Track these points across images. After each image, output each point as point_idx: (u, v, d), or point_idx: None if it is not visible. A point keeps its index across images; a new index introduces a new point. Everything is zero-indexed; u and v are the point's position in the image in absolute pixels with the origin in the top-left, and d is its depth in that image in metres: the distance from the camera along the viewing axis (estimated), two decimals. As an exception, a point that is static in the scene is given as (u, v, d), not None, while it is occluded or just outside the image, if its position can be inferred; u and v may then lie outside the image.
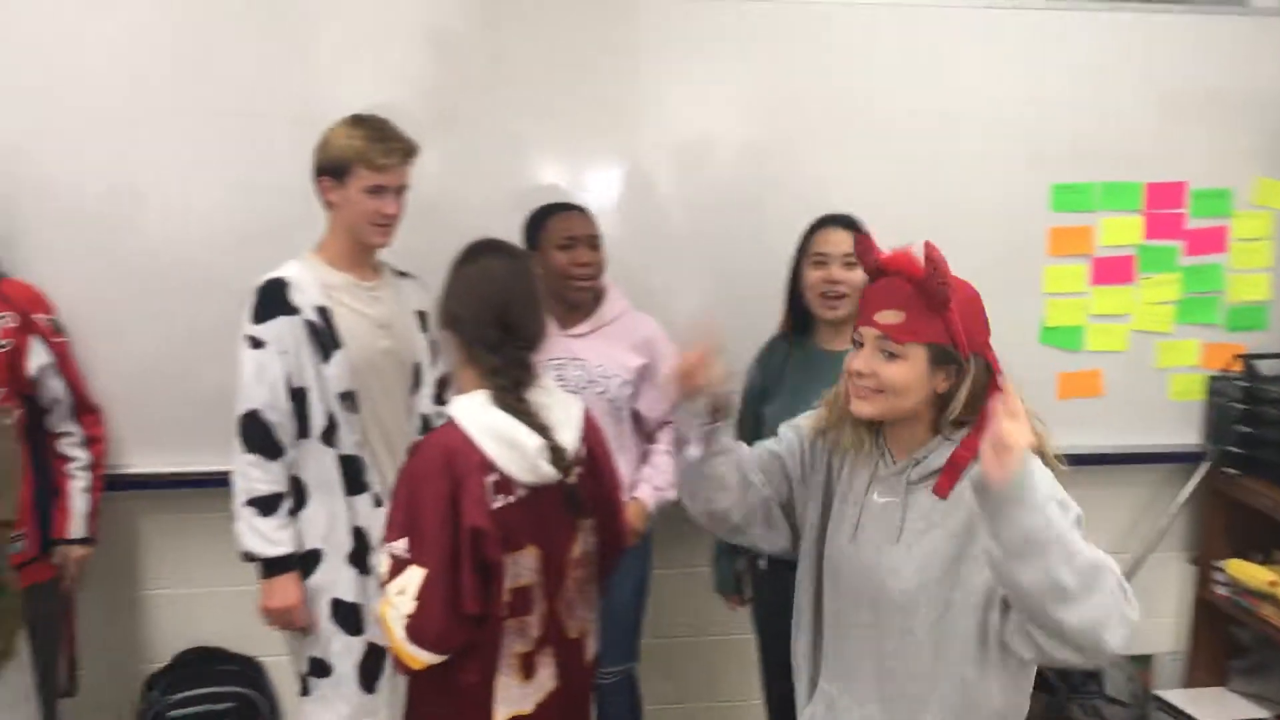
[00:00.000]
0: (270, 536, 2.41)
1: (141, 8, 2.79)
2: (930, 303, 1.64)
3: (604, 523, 2.14)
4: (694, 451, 1.81)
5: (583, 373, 2.68)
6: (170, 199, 2.84)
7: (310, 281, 2.45)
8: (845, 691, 1.79)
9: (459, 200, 2.89)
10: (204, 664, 3.04)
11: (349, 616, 2.47)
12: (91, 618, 2.92)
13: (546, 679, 2.03)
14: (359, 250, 2.51)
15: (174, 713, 2.91)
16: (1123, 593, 1.50)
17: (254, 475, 2.41)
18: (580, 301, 2.74)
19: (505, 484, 1.92)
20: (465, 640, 1.90)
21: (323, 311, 2.44)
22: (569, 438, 2.02)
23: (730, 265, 3.06)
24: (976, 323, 1.69)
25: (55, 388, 2.68)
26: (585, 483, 2.07)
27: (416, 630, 1.85)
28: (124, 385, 2.84)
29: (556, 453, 1.97)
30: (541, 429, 1.96)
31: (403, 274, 2.63)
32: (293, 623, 2.45)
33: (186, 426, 2.84)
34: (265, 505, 2.41)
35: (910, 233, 1.68)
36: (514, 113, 2.96)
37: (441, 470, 1.87)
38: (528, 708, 2.00)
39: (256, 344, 2.42)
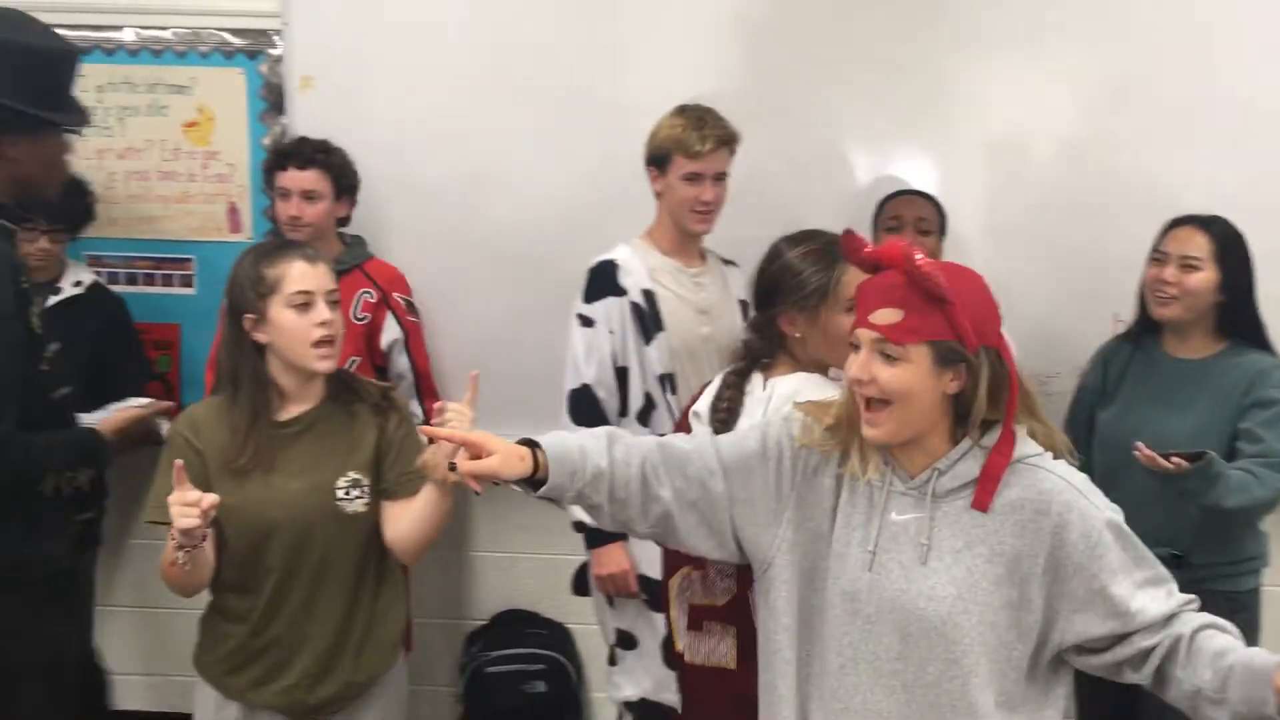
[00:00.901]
0: None
1: (483, 6, 2.97)
2: (929, 297, 1.48)
3: None
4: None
5: None
6: (513, 185, 3.00)
7: (638, 265, 2.55)
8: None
9: (781, 190, 2.89)
10: (518, 625, 3.21)
11: (656, 592, 2.55)
12: (426, 576, 3.11)
13: None
14: (683, 237, 2.58)
15: (491, 668, 3.11)
16: None
17: None
18: None
19: None
20: None
21: (648, 295, 2.53)
22: None
23: (1060, 263, 2.90)
24: (984, 313, 1.53)
25: (401, 364, 2.88)
26: None
27: None
28: (460, 362, 2.95)
29: None
30: None
31: (728, 262, 2.67)
32: (627, 587, 2.55)
33: (513, 401, 2.99)
34: None
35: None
36: (840, 103, 2.94)
37: None
38: None
39: (587, 322, 2.54)
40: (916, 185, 2.86)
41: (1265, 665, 1.41)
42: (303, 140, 2.85)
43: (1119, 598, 1.49)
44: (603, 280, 2.54)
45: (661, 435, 2.44)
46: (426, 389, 2.93)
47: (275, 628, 2.01)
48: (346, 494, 1.99)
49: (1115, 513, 1.54)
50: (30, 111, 2.17)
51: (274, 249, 2.05)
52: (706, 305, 2.58)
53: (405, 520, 2.00)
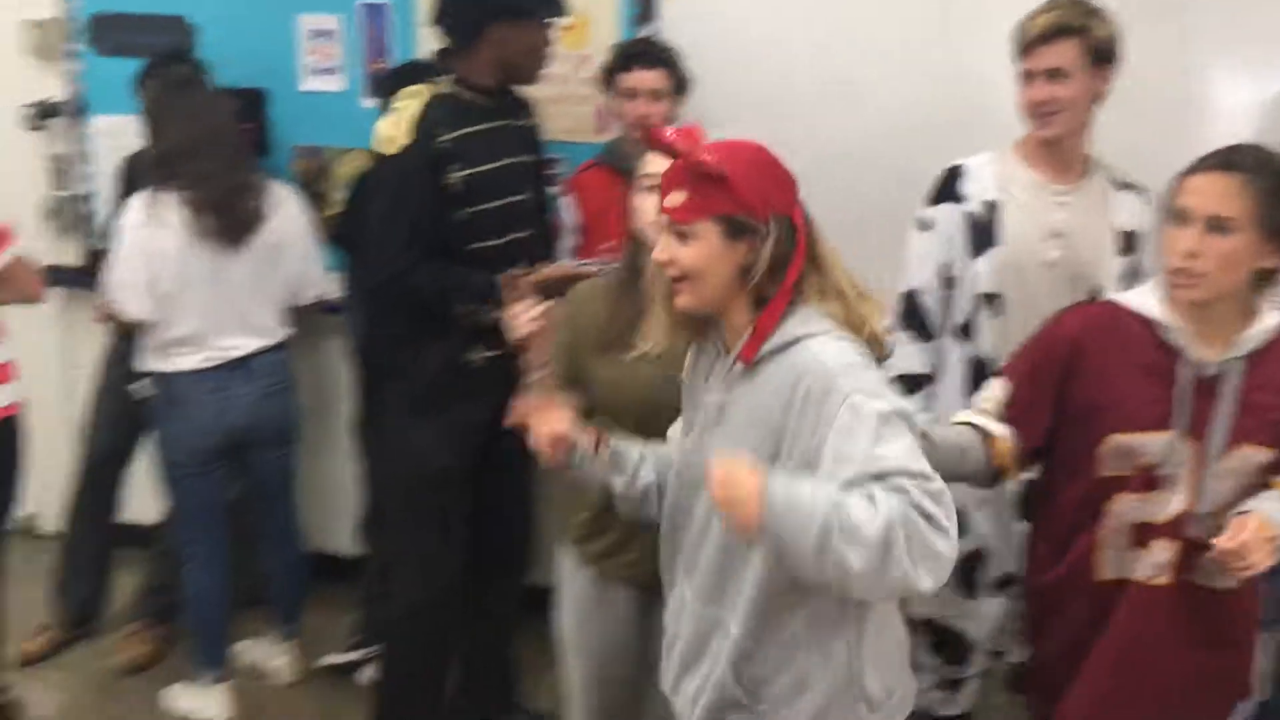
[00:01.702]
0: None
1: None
2: (707, 175, 1.55)
3: None
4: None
5: None
6: (864, 97, 2.95)
7: (989, 173, 2.41)
8: (688, 588, 1.78)
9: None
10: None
11: None
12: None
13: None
14: (1046, 146, 2.38)
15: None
16: (922, 533, 1.42)
17: (903, 353, 2.45)
18: None
19: None
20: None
21: (991, 206, 2.39)
22: None
23: None
24: (769, 182, 1.61)
25: None
26: None
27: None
28: None
29: None
30: None
31: (1126, 185, 2.43)
32: None
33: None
34: (910, 384, 2.46)
35: None
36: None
37: None
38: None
39: (924, 226, 2.47)
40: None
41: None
42: (647, 40, 2.93)
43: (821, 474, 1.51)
44: (945, 184, 2.47)
45: (976, 357, 2.40)
46: None
47: None
48: None
49: (870, 397, 1.52)
50: (516, 1, 2.47)
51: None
52: (1063, 228, 2.38)
53: None
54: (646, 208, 2.04)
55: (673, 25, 3.07)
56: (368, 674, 3.29)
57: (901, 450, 1.49)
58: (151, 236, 2.82)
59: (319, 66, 3.44)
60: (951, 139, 2.59)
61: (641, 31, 3.14)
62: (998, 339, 2.38)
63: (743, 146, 1.64)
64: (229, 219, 2.87)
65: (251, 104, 3.44)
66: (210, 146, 2.88)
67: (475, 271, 2.64)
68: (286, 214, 3.03)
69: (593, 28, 3.20)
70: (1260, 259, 1.84)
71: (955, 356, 2.45)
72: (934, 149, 2.59)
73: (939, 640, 2.57)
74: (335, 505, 3.75)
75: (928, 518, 1.45)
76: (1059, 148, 2.39)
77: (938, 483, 1.48)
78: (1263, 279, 1.87)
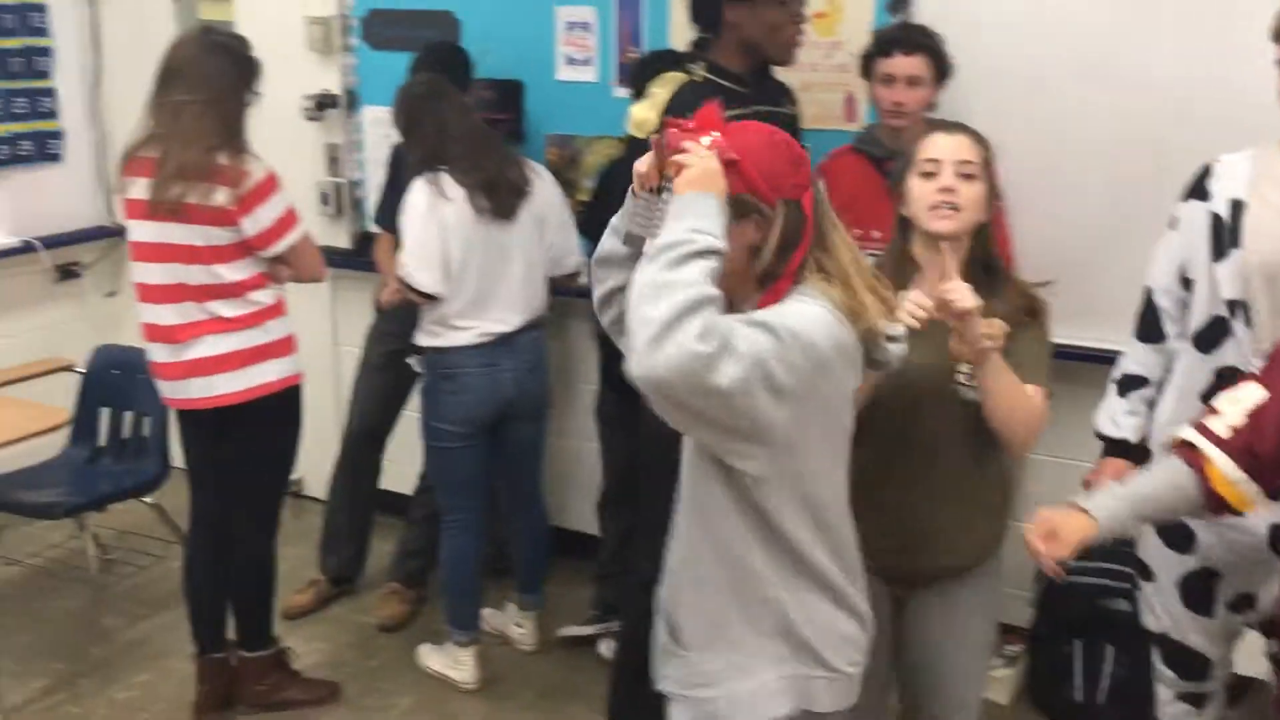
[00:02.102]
0: (1115, 418, 2.38)
1: None
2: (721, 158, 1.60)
3: None
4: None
5: None
6: (1125, 79, 2.84)
7: (1240, 171, 2.19)
8: None
9: None
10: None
11: (1175, 533, 2.30)
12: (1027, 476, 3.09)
13: None
14: None
15: (1071, 577, 2.99)
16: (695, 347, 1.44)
17: (1127, 353, 2.39)
18: None
19: None
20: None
21: (1236, 206, 2.16)
22: None
23: None
24: (779, 166, 1.65)
25: None
26: None
27: (1238, 445, 1.76)
28: (1048, 258, 2.78)
29: None
30: None
31: None
32: None
33: (1115, 303, 2.76)
34: (1124, 385, 2.38)
35: None
36: None
37: None
38: None
39: (1171, 224, 2.32)
40: None
41: None
42: (908, 25, 2.87)
43: None
44: (1196, 182, 2.27)
45: (1222, 368, 2.19)
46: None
47: (885, 492, 2.08)
48: (968, 379, 2.01)
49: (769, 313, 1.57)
50: None
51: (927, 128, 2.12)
52: None
53: (982, 401, 1.99)
54: (921, 192, 2.01)
55: (928, 10, 3.01)
56: (605, 647, 3.40)
57: (751, 331, 1.52)
58: (438, 213, 2.99)
59: (574, 57, 3.54)
60: (1217, 129, 2.45)
61: (896, 17, 3.09)
62: (1245, 352, 2.16)
63: (756, 130, 1.69)
64: (499, 195, 3.03)
65: (509, 94, 3.59)
66: (468, 138, 3.03)
67: None
68: (544, 188, 3.18)
69: (845, 14, 3.17)
70: None
71: (1194, 365, 2.26)
72: (1197, 137, 2.47)
73: (1175, 656, 2.44)
74: (576, 483, 3.87)
75: (709, 354, 1.46)
76: None
77: (741, 367, 1.49)
78: None
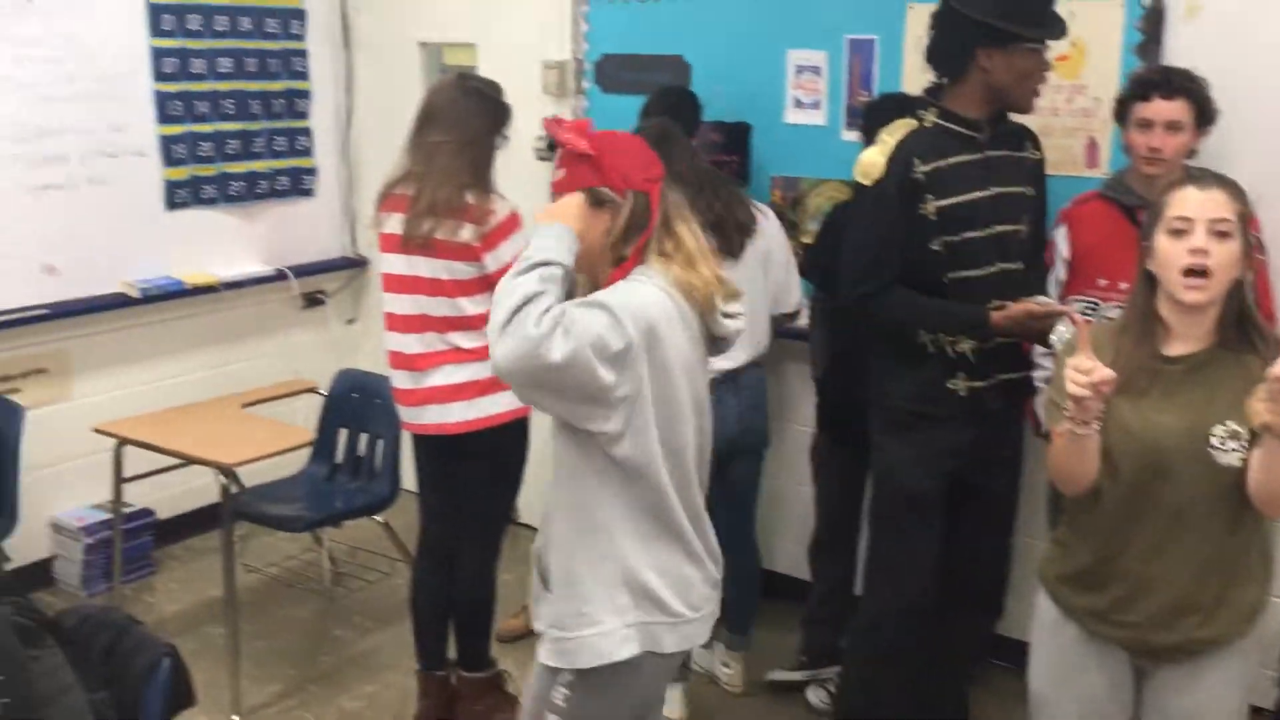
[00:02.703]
0: None
1: None
2: (577, 154, 1.94)
3: None
4: None
5: None
6: None
7: None
8: None
9: None
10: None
11: None
12: None
13: None
14: None
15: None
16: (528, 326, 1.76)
17: None
18: None
19: None
20: None
21: None
22: None
23: None
24: (632, 164, 1.97)
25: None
26: None
27: None
28: None
29: None
30: None
31: None
32: None
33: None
34: None
35: None
36: None
37: None
38: None
39: None
40: None
41: None
42: (1168, 69, 2.74)
43: None
44: None
45: None
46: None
47: (1126, 560, 2.00)
48: (1222, 443, 1.91)
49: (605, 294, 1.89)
50: (1000, 25, 2.48)
51: (1173, 180, 2.01)
52: None
53: (1255, 469, 1.88)
54: (1171, 253, 1.92)
55: (1180, 54, 2.88)
56: (812, 694, 3.35)
57: (584, 311, 1.83)
58: None
59: (803, 100, 3.56)
60: None
61: (1144, 61, 2.97)
62: None
63: (620, 136, 2.05)
64: (726, 233, 3.06)
65: (737, 136, 3.63)
66: (694, 181, 3.06)
67: (950, 302, 2.65)
68: (769, 226, 3.20)
69: (1089, 57, 3.07)
70: None
71: None
72: None
73: None
74: (786, 526, 3.85)
75: (540, 336, 1.76)
76: None
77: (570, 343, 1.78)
78: None
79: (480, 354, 2.94)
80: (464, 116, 2.88)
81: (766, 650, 3.57)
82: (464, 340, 2.94)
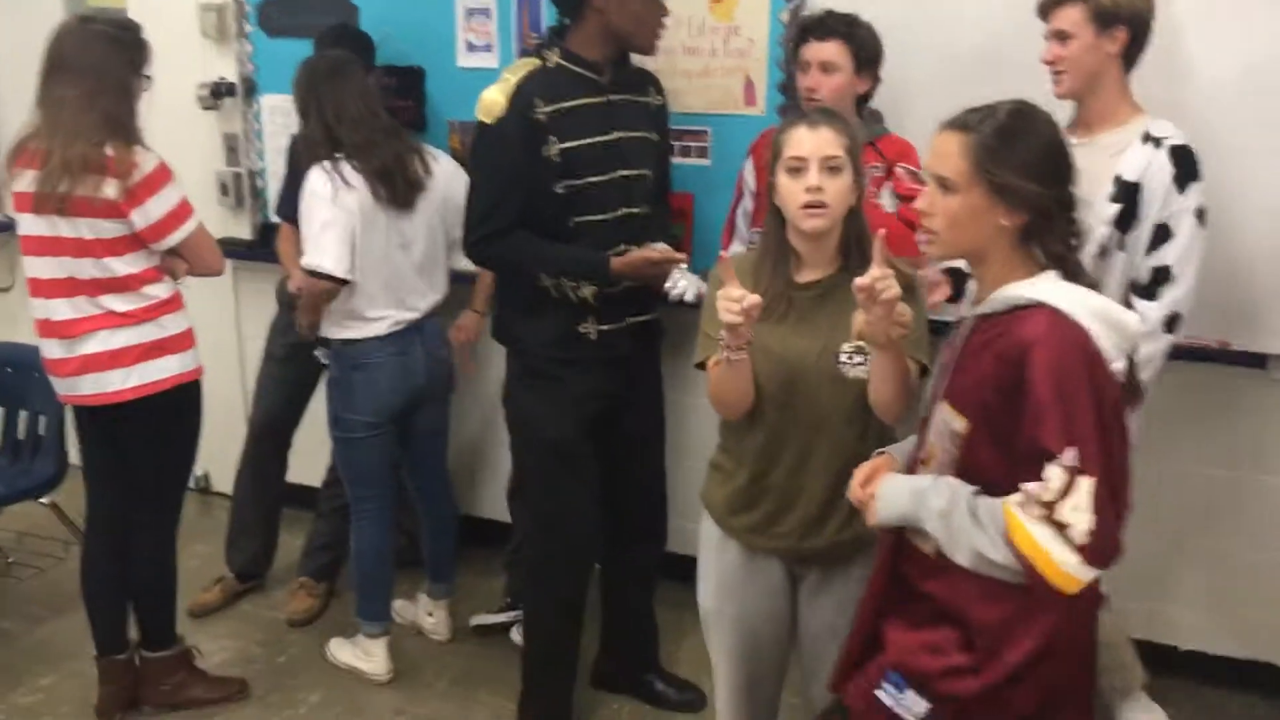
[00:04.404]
0: None
1: None
2: None
3: None
4: None
5: None
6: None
7: None
8: None
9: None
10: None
11: None
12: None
13: None
14: (1079, 109, 2.49)
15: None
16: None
17: None
18: None
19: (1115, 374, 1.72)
20: (1122, 548, 1.67)
21: None
22: None
23: None
24: None
25: None
26: None
27: (1099, 549, 1.61)
28: None
29: None
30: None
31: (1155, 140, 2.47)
32: None
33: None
34: None
35: None
36: None
37: (1085, 363, 1.66)
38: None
39: None
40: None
41: None
42: (830, 12, 2.84)
43: None
44: None
45: None
46: None
47: (775, 476, 2.14)
48: (849, 359, 2.06)
49: None
50: None
51: (789, 120, 2.12)
52: None
53: (871, 379, 2.04)
54: (790, 189, 2.04)
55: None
56: (517, 633, 3.40)
57: None
58: (341, 199, 2.95)
59: (475, 43, 3.52)
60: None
61: (790, 6, 3.11)
62: None
63: None
64: (397, 182, 2.99)
65: (410, 81, 3.55)
66: (365, 124, 2.99)
67: (571, 247, 2.68)
68: (445, 171, 3.14)
69: (741, 0, 3.19)
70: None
71: None
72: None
73: None
74: (485, 472, 3.87)
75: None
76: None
77: None
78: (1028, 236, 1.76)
79: (138, 316, 2.78)
80: (94, 62, 2.67)
81: (472, 596, 3.59)
82: (118, 303, 2.76)
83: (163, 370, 2.81)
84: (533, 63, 2.67)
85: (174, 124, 3.24)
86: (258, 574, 3.73)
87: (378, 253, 3.02)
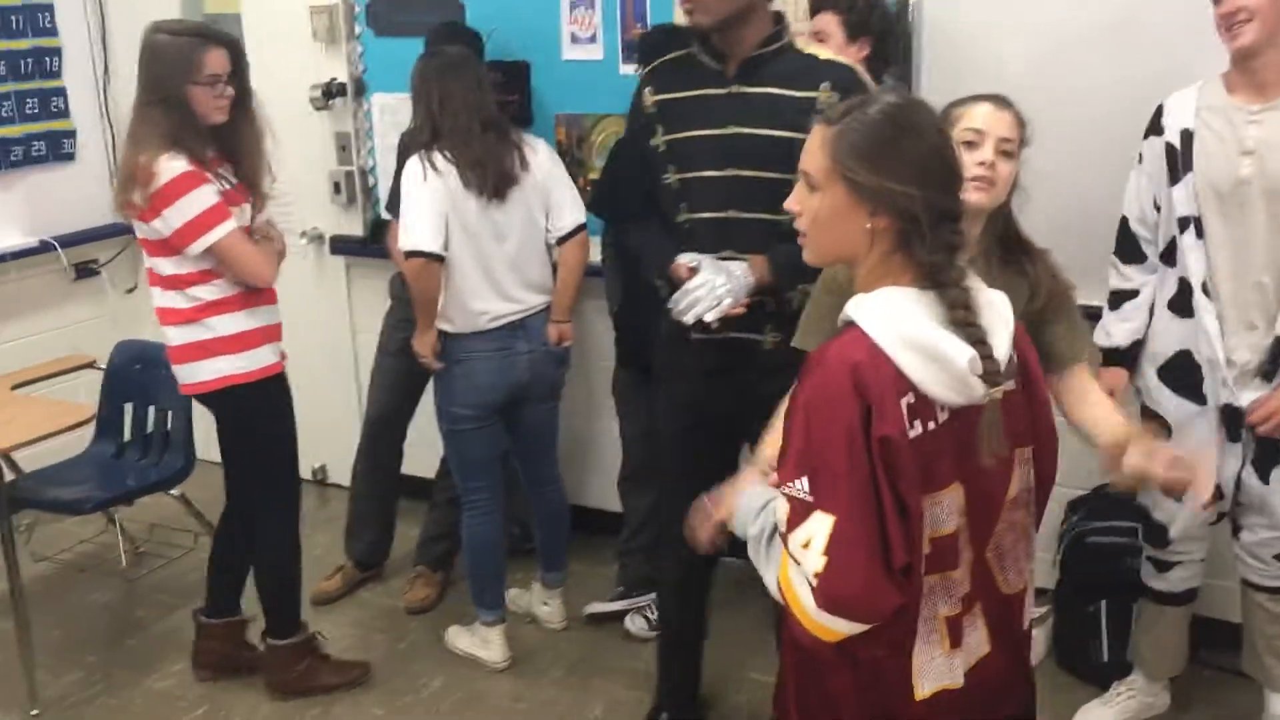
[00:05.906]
0: (1108, 328, 2.70)
1: None
2: None
3: (1040, 452, 1.69)
4: None
5: None
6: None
7: (1188, 104, 2.51)
8: None
9: None
10: (1118, 500, 3.08)
11: None
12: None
13: (976, 644, 1.65)
14: (1240, 68, 2.43)
15: (1092, 539, 3.07)
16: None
17: (1113, 273, 2.69)
18: None
19: (924, 407, 1.50)
20: (898, 603, 1.50)
21: (1185, 135, 2.49)
22: (1002, 344, 1.57)
23: None
24: None
25: None
26: (1016, 401, 1.62)
27: (829, 593, 1.47)
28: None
29: (990, 365, 1.52)
30: (978, 335, 1.52)
31: None
32: None
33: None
34: (1115, 299, 2.69)
35: None
36: None
37: (850, 390, 1.47)
38: (957, 680, 1.61)
39: (1140, 159, 2.61)
40: None
41: None
42: None
43: None
44: (1152, 120, 2.58)
45: (1183, 278, 2.52)
46: None
47: None
48: None
49: None
50: None
51: (973, 95, 2.08)
52: (1254, 145, 2.41)
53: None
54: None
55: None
56: (630, 622, 3.42)
57: None
58: (432, 184, 2.98)
59: (579, 35, 3.54)
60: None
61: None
62: (1200, 260, 2.50)
63: None
64: (487, 172, 3.00)
65: (516, 75, 3.59)
66: (465, 115, 3.01)
67: (667, 242, 2.55)
68: (540, 158, 3.13)
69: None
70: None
71: (1169, 282, 2.60)
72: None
73: (1145, 525, 2.80)
74: (597, 462, 3.89)
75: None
76: (1274, 72, 2.40)
77: None
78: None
79: (185, 315, 2.86)
80: (144, 71, 2.78)
81: (585, 585, 3.62)
82: (174, 300, 2.87)
83: (212, 371, 2.88)
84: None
85: (288, 125, 3.30)
86: (376, 563, 3.81)
87: (473, 241, 3.04)
